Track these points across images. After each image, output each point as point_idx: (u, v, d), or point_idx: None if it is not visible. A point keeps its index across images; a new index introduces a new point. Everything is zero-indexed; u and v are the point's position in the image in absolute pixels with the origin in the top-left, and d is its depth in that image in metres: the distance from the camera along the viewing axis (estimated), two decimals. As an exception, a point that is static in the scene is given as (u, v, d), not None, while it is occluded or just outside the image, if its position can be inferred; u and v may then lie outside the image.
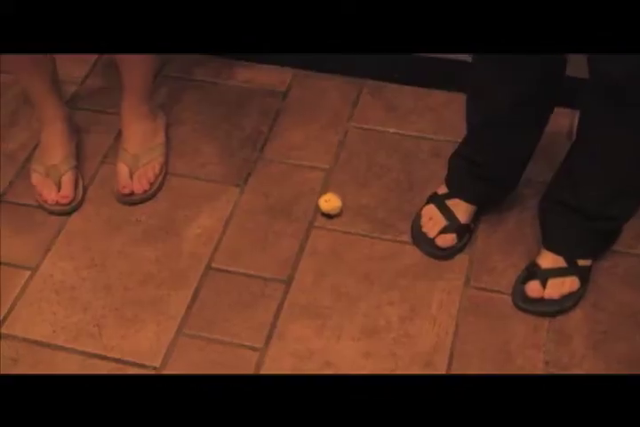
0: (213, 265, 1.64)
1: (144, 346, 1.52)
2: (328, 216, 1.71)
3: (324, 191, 1.74)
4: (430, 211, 1.64)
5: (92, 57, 2.08)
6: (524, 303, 1.54)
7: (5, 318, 1.56)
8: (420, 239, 1.64)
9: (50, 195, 1.72)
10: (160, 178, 1.77)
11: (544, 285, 1.53)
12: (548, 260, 1.55)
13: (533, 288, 1.53)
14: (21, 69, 1.71)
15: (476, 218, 1.65)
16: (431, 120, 1.90)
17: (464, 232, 1.62)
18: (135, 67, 1.70)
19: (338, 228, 1.70)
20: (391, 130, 1.88)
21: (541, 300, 1.53)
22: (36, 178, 1.76)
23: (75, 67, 2.03)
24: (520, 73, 1.38)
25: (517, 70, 1.37)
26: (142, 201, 1.75)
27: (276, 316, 1.56)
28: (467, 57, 1.46)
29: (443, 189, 1.65)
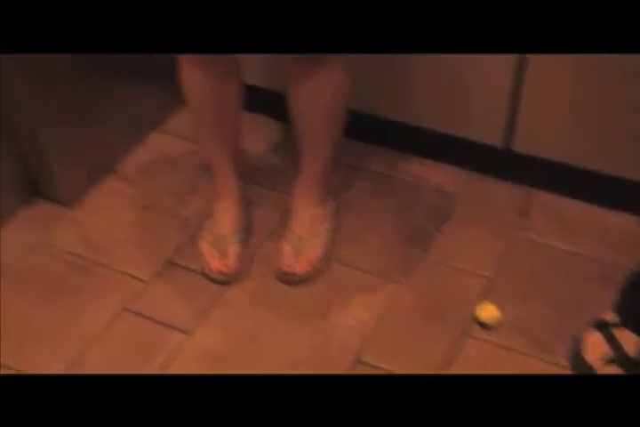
0: (363, 359, 1.63)
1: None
2: (484, 326, 1.68)
3: (483, 300, 1.72)
4: (594, 338, 1.58)
5: (273, 134, 2.14)
6: None
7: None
8: (579, 366, 1.58)
9: (215, 264, 1.76)
10: (322, 262, 1.79)
11: None
12: None
13: None
14: (206, 140, 1.78)
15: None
16: (603, 241, 1.85)
17: (632, 367, 1.55)
18: (317, 152, 1.74)
19: (493, 339, 1.66)
20: (560, 245, 1.85)
21: None
22: (204, 246, 1.81)
23: (255, 142, 2.10)
24: None
25: None
26: (301, 282, 1.76)
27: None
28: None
29: (611, 317, 1.59)
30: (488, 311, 1.67)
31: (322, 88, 1.59)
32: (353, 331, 1.68)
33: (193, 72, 1.63)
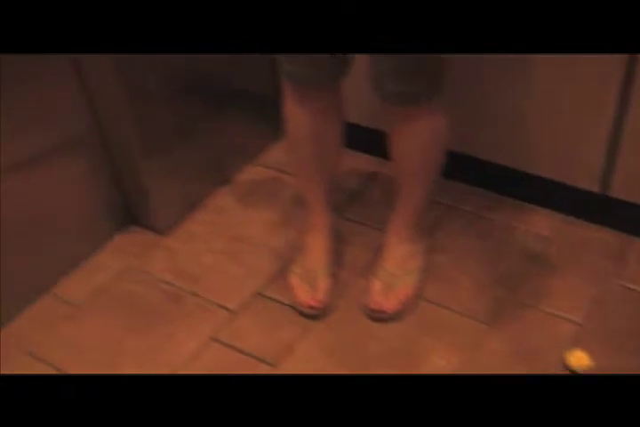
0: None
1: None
2: (573, 373, 1.64)
3: (574, 346, 1.68)
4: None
5: (369, 170, 2.15)
6: None
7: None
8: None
9: (304, 297, 1.77)
10: (411, 301, 1.78)
11: None
12: None
13: None
14: (304, 174, 1.80)
15: None
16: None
17: None
18: (414, 191, 1.74)
19: (584, 388, 1.62)
20: (657, 296, 1.80)
21: None
22: (293, 279, 1.81)
23: (351, 177, 2.11)
24: None
25: None
26: (390, 320, 1.75)
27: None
28: None
29: None
30: (578, 358, 1.63)
31: (422, 131, 1.60)
32: (440, 371, 1.66)
33: (295, 107, 1.66)
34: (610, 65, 1.66)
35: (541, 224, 1.99)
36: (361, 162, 2.18)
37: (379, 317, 1.75)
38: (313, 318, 1.77)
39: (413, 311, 1.78)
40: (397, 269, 1.79)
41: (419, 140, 1.62)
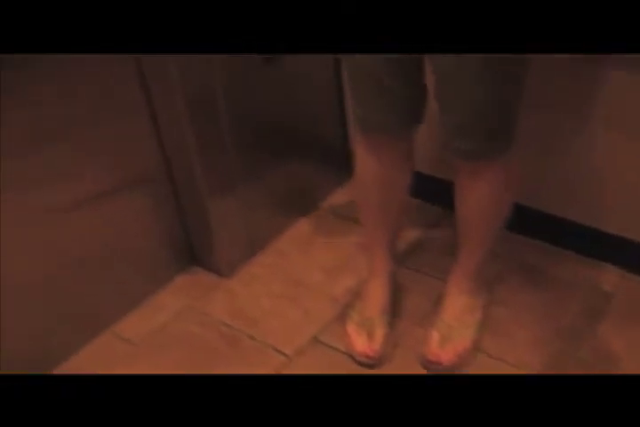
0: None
1: None
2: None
3: (635, 407, 1.64)
4: None
5: (432, 219, 2.16)
6: None
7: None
8: None
9: (360, 346, 1.77)
10: (468, 353, 1.76)
11: None
12: None
13: None
14: (368, 221, 1.81)
15: None
16: None
17: None
18: (477, 244, 1.73)
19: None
20: None
21: None
22: (350, 326, 1.81)
23: (414, 226, 2.11)
24: None
25: None
26: (446, 372, 1.74)
27: None
28: None
29: None
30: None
31: (490, 186, 1.59)
32: None
33: (366, 153, 1.67)
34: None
35: (604, 279, 1.96)
36: (424, 210, 2.18)
37: (435, 368, 1.74)
38: (368, 367, 1.76)
39: (470, 364, 1.76)
40: (456, 322, 1.77)
41: (486, 195, 1.61)
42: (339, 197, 2.25)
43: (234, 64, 1.79)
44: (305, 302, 1.95)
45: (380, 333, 1.78)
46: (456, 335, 1.75)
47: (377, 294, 1.83)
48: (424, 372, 1.75)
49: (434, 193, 2.07)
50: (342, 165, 2.20)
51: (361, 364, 1.76)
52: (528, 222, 2.02)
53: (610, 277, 1.96)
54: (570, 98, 1.78)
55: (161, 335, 1.88)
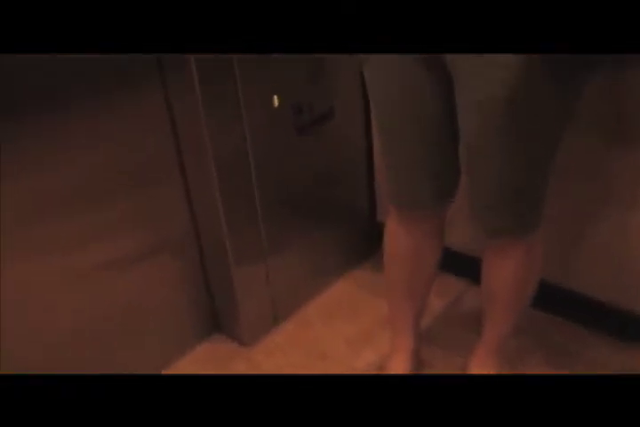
0: None
1: None
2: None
3: None
4: None
5: (456, 294, 2.14)
6: None
7: None
8: None
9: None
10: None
11: None
12: None
13: None
14: (395, 294, 1.79)
15: None
16: None
17: None
18: (501, 321, 1.71)
19: None
20: None
21: None
22: (371, 401, 1.79)
23: (436, 299, 2.10)
24: None
25: None
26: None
27: None
28: None
29: None
30: None
31: (517, 264, 1.59)
32: None
33: (397, 228, 1.67)
34: None
35: (633, 361, 1.92)
36: (448, 283, 2.17)
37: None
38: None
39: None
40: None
41: (512, 272, 1.60)
42: (365, 268, 2.25)
43: (266, 133, 1.82)
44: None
45: (400, 409, 1.75)
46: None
47: (399, 371, 1.81)
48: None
49: (459, 266, 2.06)
50: (370, 237, 2.20)
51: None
52: (554, 300, 2.00)
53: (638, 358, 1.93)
54: (596, 179, 1.78)
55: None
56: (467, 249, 2.03)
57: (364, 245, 2.24)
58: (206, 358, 1.99)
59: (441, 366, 1.92)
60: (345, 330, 2.06)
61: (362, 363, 1.95)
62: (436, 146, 1.51)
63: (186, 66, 1.60)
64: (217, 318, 2.05)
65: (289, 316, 2.10)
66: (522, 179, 1.43)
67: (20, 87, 1.44)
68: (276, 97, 1.80)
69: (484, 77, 1.29)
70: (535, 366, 1.91)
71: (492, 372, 1.78)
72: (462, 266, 1.91)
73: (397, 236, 1.69)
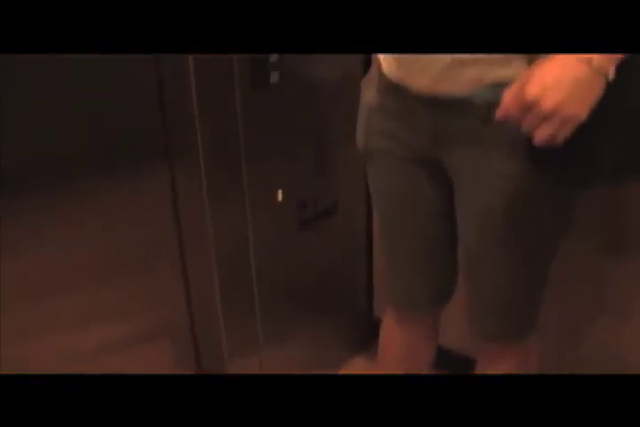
0: None
1: None
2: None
3: None
4: None
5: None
6: None
7: None
8: None
9: None
10: None
11: None
12: None
13: None
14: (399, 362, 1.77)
15: None
16: None
17: None
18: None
19: None
20: None
21: None
22: None
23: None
24: None
25: None
26: None
27: None
28: None
29: None
30: None
31: (509, 368, 1.57)
32: None
33: (392, 325, 1.68)
34: None
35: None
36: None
37: None
38: None
39: None
40: None
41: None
42: (359, 364, 2.23)
43: (269, 227, 1.83)
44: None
45: None
46: None
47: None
48: None
49: (452, 365, 2.05)
50: (365, 333, 2.19)
51: None
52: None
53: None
54: (592, 286, 1.79)
55: None
56: (460, 349, 2.02)
57: (360, 340, 2.23)
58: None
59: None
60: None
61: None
62: (435, 248, 1.53)
63: (193, 156, 1.63)
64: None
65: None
66: (520, 286, 1.44)
67: (22, 162, 1.46)
68: (280, 191, 1.82)
69: (482, 187, 1.32)
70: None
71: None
72: (455, 365, 1.89)
73: (393, 333, 1.69)
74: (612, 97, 1.09)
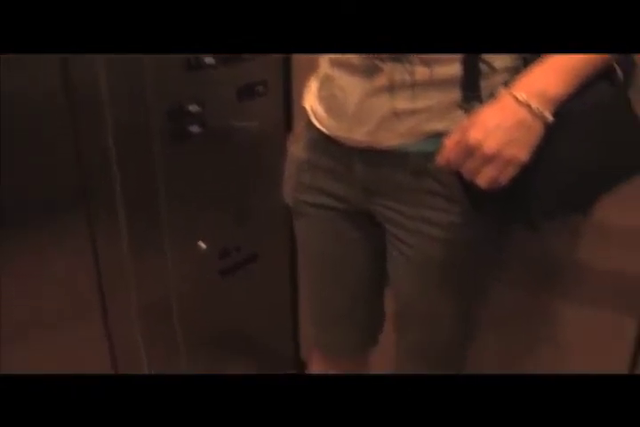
0: None
1: None
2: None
3: None
4: None
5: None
6: None
7: None
8: None
9: None
10: None
11: None
12: None
13: None
14: None
15: None
16: None
17: None
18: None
19: None
20: None
21: None
22: None
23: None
24: None
25: None
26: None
27: None
28: None
29: None
30: None
31: None
32: None
33: (321, 367, 1.66)
34: None
35: None
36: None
37: None
38: None
39: None
40: None
41: None
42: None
43: (190, 275, 1.82)
44: None
45: None
46: None
47: None
48: None
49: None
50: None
51: None
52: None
53: None
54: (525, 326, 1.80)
55: None
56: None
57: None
58: None
59: None
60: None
61: None
62: (362, 294, 1.52)
63: (112, 209, 1.60)
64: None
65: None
66: (452, 331, 1.45)
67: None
68: (201, 242, 1.81)
69: (417, 236, 1.31)
70: None
71: None
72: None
73: (321, 371, 1.68)
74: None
